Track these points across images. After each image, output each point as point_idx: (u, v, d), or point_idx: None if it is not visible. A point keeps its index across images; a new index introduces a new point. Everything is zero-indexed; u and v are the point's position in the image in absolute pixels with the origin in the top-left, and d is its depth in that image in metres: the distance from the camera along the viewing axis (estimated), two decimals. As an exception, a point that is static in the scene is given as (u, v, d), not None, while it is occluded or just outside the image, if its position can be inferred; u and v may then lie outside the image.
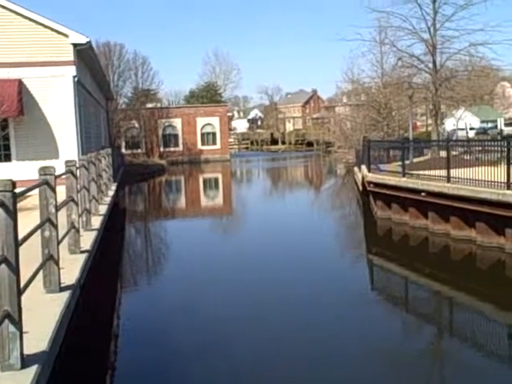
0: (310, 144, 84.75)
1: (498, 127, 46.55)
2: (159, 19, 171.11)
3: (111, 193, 19.96)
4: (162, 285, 13.62)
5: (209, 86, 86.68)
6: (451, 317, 11.10)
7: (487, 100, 60.80)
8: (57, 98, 21.25)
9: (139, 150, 59.74)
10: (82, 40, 21.14)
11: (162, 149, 61.47)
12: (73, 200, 9.62)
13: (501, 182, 13.80)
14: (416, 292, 12.73)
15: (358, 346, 8.88)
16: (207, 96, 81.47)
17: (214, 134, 63.69)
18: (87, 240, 10.81)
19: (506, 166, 13.79)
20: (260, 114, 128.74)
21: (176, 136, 62.71)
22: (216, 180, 47.63)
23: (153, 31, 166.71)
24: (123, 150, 56.03)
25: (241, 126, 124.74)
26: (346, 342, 9.07)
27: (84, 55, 23.08)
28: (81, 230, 10.58)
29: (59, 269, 7.44)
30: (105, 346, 9.30)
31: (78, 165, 10.69)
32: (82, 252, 9.75)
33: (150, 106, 64.08)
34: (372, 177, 20.46)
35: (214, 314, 10.59)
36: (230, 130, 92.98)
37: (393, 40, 31.33)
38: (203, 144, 63.24)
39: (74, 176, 9.72)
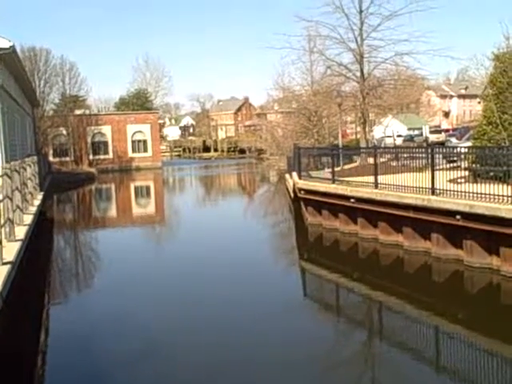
0: (242, 151, 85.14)
1: (424, 134, 48.05)
2: (87, 24, 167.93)
3: (37, 202, 19.39)
4: (91, 297, 13.26)
5: (139, 92, 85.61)
6: (380, 320, 11.31)
7: (413, 108, 62.75)
8: (-22, 105, 20.44)
9: (68, 158, 58.37)
10: (5, 44, 20.38)
11: (91, 156, 60.28)
12: (-6, 210, 9.24)
13: (426, 188, 14.21)
14: (347, 297, 12.93)
15: (290, 352, 8.89)
16: (138, 103, 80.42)
17: (144, 142, 63.00)
18: (10, 251, 10.43)
19: (430, 172, 14.22)
20: (192, 122, 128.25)
21: (106, 143, 61.63)
22: (148, 188, 47.03)
23: (81, 37, 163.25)
24: (51, 158, 54.63)
25: (173, 133, 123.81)
26: (278, 349, 9.07)
27: (7, 60, 22.29)
28: (3, 241, 10.17)
29: (-21, 282, 7.11)
30: (31, 363, 8.93)
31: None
32: (5, 264, 9.38)
33: (78, 112, 62.63)
34: (303, 184, 20.67)
35: (143, 325, 10.42)
36: (162, 137, 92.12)
37: (321, 49, 31.85)
38: (134, 151, 62.47)
39: (-4, 185, 9.34)
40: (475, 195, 12.75)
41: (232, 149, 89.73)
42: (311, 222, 20.00)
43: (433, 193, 13.98)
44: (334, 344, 9.75)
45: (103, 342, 9.78)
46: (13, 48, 21.15)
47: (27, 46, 53.33)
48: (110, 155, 61.54)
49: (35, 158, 23.55)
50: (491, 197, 12.33)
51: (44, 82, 56.07)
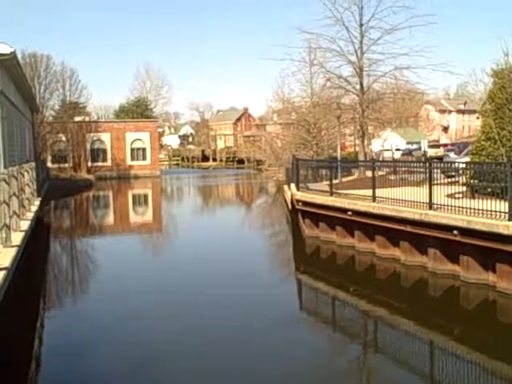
0: (241, 161, 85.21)
1: (422, 149, 48.13)
2: (88, 31, 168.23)
3: (34, 208, 19.35)
4: (86, 304, 13.22)
5: (139, 101, 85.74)
6: (376, 335, 11.27)
7: (412, 122, 62.88)
8: (-22, 110, 20.43)
9: (66, 165, 58.31)
10: (6, 50, 20.38)
11: (89, 163, 60.26)
12: (-9, 216, 9.21)
13: (423, 202, 14.22)
14: (343, 310, 12.89)
15: (284, 365, 8.86)
16: (137, 111, 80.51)
17: (143, 150, 63.02)
18: (6, 257, 10.39)
19: (428, 187, 14.23)
20: (191, 131, 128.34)
21: (105, 151, 61.62)
22: (145, 197, 46.96)
23: (82, 43, 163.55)
24: (49, 164, 54.59)
25: (172, 142, 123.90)
26: (273, 361, 9.03)
27: (8, 66, 22.31)
28: (0, 247, 10.14)
29: (-27, 288, 7.08)
30: (25, 371, 8.87)
31: (-3, 179, 10.26)
32: (0, 269, 9.34)
33: (78, 119, 62.66)
34: (301, 195, 20.67)
35: (138, 333, 10.37)
36: (161, 145, 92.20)
37: (322, 61, 31.97)
38: (133, 159, 62.46)
39: (-7, 190, 9.32)
40: (473, 211, 12.76)
41: (231, 159, 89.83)
42: (308, 234, 19.97)
43: (430, 207, 13.98)
44: (329, 358, 9.71)
45: (97, 349, 9.73)
46: (13, 54, 21.17)
47: (28, 52, 53.62)
48: (109, 162, 61.52)
49: (33, 163, 23.54)
50: (488, 213, 12.34)
51: (44, 88, 56.19)
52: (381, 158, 40.79)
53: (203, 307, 12.22)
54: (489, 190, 13.59)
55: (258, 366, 8.85)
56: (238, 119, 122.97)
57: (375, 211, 15.81)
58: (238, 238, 22.69)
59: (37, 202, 21.23)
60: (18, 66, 23.85)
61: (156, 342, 9.99)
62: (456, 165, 16.64)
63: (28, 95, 34.82)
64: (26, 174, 18.50)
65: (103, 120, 72.85)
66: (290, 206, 25.08)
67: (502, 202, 12.26)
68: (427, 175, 14.55)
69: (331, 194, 18.59)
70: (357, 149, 40.39)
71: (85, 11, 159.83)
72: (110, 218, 32.69)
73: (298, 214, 21.62)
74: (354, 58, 29.35)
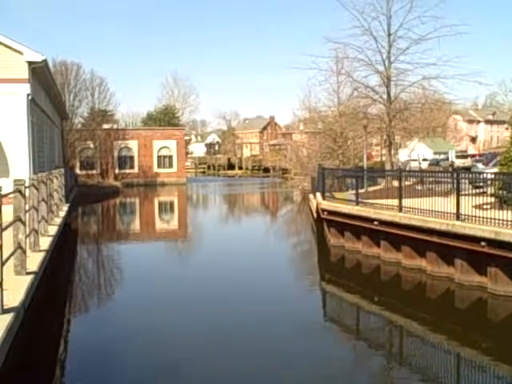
0: (266, 170, 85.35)
1: (450, 159, 47.70)
2: (118, 39, 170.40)
3: (62, 213, 19.61)
4: (112, 310, 13.31)
5: (167, 108, 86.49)
6: (401, 346, 11.16)
7: (440, 132, 62.42)
8: (9, 116, 20.80)
9: (94, 171, 59.06)
10: (38, 58, 20.80)
11: (117, 170, 60.90)
12: (20, 220, 9.37)
13: (450, 213, 14.08)
14: (367, 320, 12.79)
15: (309, 374, 8.82)
16: (165, 119, 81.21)
17: (170, 158, 63.49)
18: (34, 261, 10.56)
19: (455, 197, 14.08)
20: (217, 139, 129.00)
21: (132, 158, 62.24)
22: (171, 204, 47.26)
23: (112, 51, 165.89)
24: (77, 171, 55.32)
25: (198, 150, 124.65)
26: (298, 370, 9.00)
27: (39, 73, 22.73)
28: (28, 251, 10.30)
29: (2, 290, 7.20)
30: (50, 374, 8.98)
31: (27, 184, 10.44)
32: (29, 273, 9.50)
33: (106, 126, 63.41)
34: (326, 204, 20.60)
35: (163, 341, 10.42)
36: (187, 153, 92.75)
37: (349, 70, 31.96)
38: (159, 167, 62.96)
39: (23, 195, 9.48)
40: (501, 222, 12.59)
41: (256, 167, 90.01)
42: (334, 243, 19.89)
43: (458, 218, 13.83)
44: (353, 367, 9.64)
45: (121, 355, 9.79)
46: (45, 62, 21.58)
47: (59, 60, 54.47)
48: (136, 170, 62.12)
49: (62, 170, 23.88)
50: (517, 224, 12.17)
51: (74, 96, 56.99)
52: (407, 168, 40.48)
53: (228, 313, 12.23)
54: (518, 201, 13.41)
55: (280, 374, 8.82)
56: (265, 128, 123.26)
57: (401, 221, 15.69)
58: (263, 247, 22.68)
59: (65, 208, 21.51)
60: (48, 73, 24.28)
61: (183, 349, 10.02)
62: (484, 175, 16.44)
63: (58, 102, 35.39)
64: (54, 179, 18.77)
65: (131, 128, 73.66)
66: (315, 215, 25.01)
67: (532, 214, 12.09)
68: (455, 185, 14.41)
69: (357, 203, 18.51)
70: (383, 158, 40.14)
71: (113, 20, 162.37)
72: (137, 225, 32.95)
73: (324, 223, 21.54)
74: (381, 68, 29.30)
